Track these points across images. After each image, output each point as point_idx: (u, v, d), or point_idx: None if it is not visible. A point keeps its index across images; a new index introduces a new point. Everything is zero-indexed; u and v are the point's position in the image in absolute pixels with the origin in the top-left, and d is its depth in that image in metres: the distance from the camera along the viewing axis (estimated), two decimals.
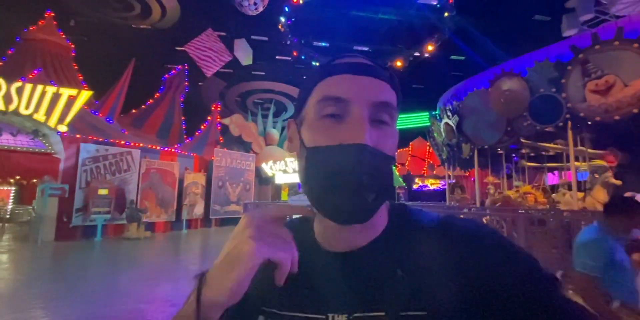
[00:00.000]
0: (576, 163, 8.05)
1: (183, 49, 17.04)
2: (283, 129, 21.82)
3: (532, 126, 7.28)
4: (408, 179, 24.44)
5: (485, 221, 7.32)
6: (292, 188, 18.14)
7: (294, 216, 0.59)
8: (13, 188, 17.48)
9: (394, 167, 0.48)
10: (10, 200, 17.25)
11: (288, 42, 17.89)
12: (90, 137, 11.63)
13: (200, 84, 21.42)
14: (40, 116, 10.35)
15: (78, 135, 11.31)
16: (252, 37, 18.66)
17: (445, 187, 16.03)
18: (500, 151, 10.09)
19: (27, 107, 10.17)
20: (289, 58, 19.61)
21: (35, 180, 12.19)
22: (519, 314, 0.43)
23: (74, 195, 10.83)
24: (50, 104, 10.45)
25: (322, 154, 0.48)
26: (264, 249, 0.43)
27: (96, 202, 11.00)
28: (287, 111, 24.54)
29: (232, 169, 16.27)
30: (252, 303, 0.53)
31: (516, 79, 7.29)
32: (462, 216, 7.65)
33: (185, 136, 18.18)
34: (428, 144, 16.74)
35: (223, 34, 18.10)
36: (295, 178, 17.26)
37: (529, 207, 8.15)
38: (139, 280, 6.01)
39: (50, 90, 10.52)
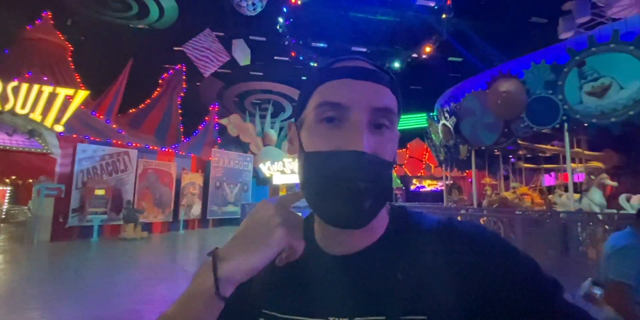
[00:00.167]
0: (572, 164, 8.09)
1: (181, 49, 16.98)
2: (281, 129, 21.79)
3: (529, 128, 7.33)
4: (405, 179, 24.52)
5: (482, 222, 7.35)
6: (290, 189, 18.13)
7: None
8: (9, 188, 17.40)
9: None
10: (6, 201, 17.13)
11: (286, 43, 17.92)
12: (87, 137, 11.58)
13: (198, 84, 21.37)
14: (36, 116, 10.28)
15: (75, 135, 11.25)
16: (250, 37, 18.63)
17: (443, 188, 16.08)
18: (497, 152, 10.14)
19: (23, 107, 10.09)
20: (287, 59, 19.63)
21: (31, 181, 12.13)
22: (520, 318, 0.43)
23: (70, 196, 10.76)
24: (47, 104, 10.38)
25: (319, 159, 0.48)
26: (289, 236, 0.47)
27: (93, 203, 10.93)
28: (285, 112, 24.50)
29: (229, 169, 16.23)
30: (253, 305, 0.53)
31: (513, 81, 7.33)
32: (459, 217, 7.69)
33: (182, 136, 18.09)
34: (426, 145, 16.77)
35: (221, 34, 18.06)
36: (293, 179, 17.26)
37: (526, 208, 8.19)
38: (136, 281, 5.99)
39: (47, 89, 10.44)
